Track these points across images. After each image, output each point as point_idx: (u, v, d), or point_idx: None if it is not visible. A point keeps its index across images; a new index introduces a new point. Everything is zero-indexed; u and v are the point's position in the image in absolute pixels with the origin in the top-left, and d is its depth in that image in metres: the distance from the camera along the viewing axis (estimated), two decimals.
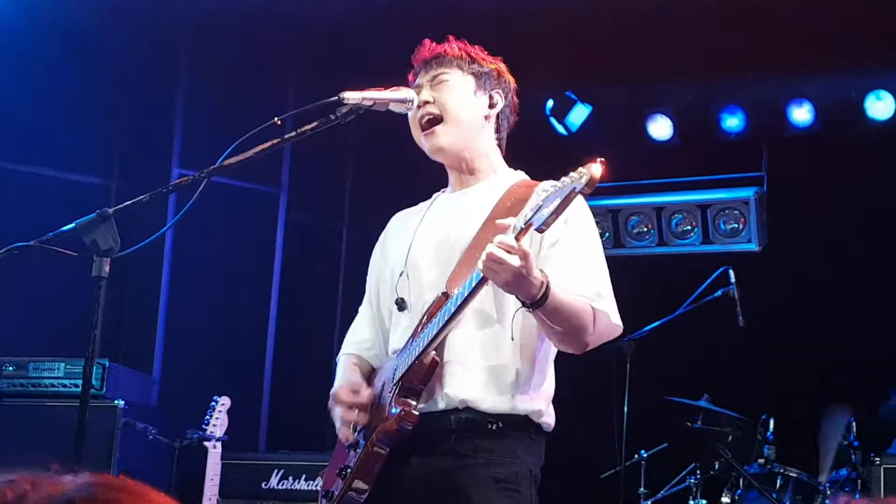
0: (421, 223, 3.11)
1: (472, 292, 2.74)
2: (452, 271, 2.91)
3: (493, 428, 2.85)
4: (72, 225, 2.64)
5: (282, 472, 5.91)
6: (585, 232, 2.96)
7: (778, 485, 5.62)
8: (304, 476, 5.87)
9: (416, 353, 2.83)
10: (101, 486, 1.16)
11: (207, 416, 5.60)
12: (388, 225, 3.30)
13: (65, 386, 5.66)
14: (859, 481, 5.38)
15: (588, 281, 2.86)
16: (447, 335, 2.85)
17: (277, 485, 5.89)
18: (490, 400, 2.86)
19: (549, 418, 2.97)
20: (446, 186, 3.21)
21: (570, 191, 2.48)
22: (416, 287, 3.00)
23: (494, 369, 2.88)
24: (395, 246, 3.15)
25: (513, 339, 2.87)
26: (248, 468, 5.94)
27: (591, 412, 5.74)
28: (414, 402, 2.85)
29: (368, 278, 3.27)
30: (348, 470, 2.94)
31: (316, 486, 5.82)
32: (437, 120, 3.03)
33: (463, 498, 2.81)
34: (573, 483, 6.41)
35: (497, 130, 3.14)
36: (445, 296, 2.86)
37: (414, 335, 2.91)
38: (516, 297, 2.74)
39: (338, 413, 2.98)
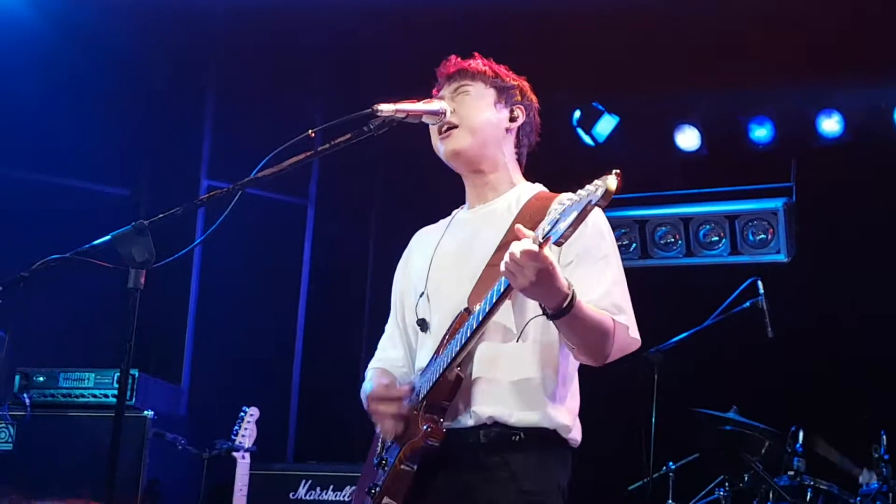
0: (440, 242, 3.12)
1: (496, 304, 2.74)
2: (473, 287, 2.91)
3: (520, 441, 2.85)
4: (107, 237, 2.65)
5: (310, 482, 5.92)
6: (604, 244, 2.95)
7: (808, 497, 5.57)
8: (331, 486, 5.88)
9: (441, 370, 2.83)
10: None
11: (236, 427, 5.63)
12: (411, 242, 3.31)
13: (94, 396, 5.70)
14: (891, 495, 5.33)
15: (608, 294, 2.86)
16: (472, 351, 2.85)
17: (305, 495, 5.90)
18: (517, 414, 2.86)
19: (576, 433, 2.96)
20: (465, 202, 3.22)
21: (587, 203, 2.47)
22: (437, 307, 3.01)
23: (520, 384, 2.87)
24: (416, 265, 3.17)
25: (548, 376, 2.87)
26: (277, 479, 5.96)
27: (618, 423, 5.72)
28: (440, 419, 2.85)
29: (393, 296, 3.28)
30: (377, 489, 2.94)
31: (345, 496, 5.83)
32: (454, 127, 3.05)
33: None
34: (601, 495, 6.38)
35: (517, 146, 3.15)
36: (468, 312, 2.86)
37: (437, 353, 2.91)
38: (540, 304, 2.73)
39: (376, 410, 2.97)
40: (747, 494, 5.72)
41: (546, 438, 2.88)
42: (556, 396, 2.91)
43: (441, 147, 3.07)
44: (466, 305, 2.89)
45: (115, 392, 5.56)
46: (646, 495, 5.66)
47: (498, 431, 2.85)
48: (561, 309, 2.67)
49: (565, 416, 2.92)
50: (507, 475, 2.83)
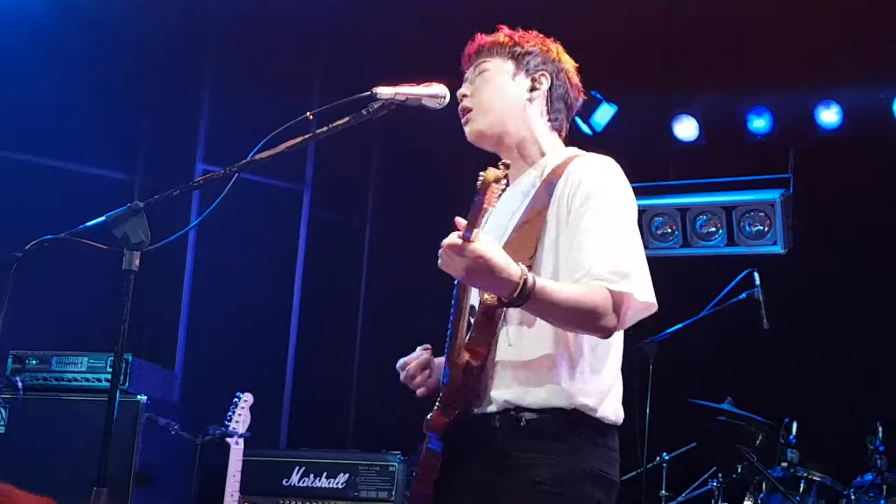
0: (486, 224, 2.94)
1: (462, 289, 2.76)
2: None
3: (535, 425, 2.73)
4: (102, 218, 2.62)
5: (303, 469, 5.91)
6: (609, 206, 2.80)
7: (801, 488, 5.58)
8: (325, 473, 5.87)
9: (446, 356, 2.82)
10: None
11: (230, 413, 5.61)
12: None
13: (87, 380, 5.68)
14: (885, 486, 5.33)
15: (604, 260, 2.70)
16: (496, 335, 2.80)
17: (299, 482, 5.89)
18: (530, 397, 2.75)
19: (607, 410, 2.80)
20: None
21: (474, 200, 2.53)
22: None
23: (537, 365, 2.76)
24: None
25: (569, 354, 2.76)
26: (270, 465, 5.95)
27: None
28: (457, 407, 2.79)
29: None
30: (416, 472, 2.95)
31: (338, 483, 5.83)
32: (470, 111, 3.01)
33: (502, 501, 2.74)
34: None
35: (549, 111, 3.05)
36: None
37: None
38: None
39: (410, 373, 2.96)
40: (741, 485, 5.73)
41: (568, 419, 2.75)
42: (576, 373, 2.76)
43: (466, 131, 3.03)
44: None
45: (108, 376, 5.53)
46: (639, 485, 5.65)
47: (514, 415, 2.75)
48: (513, 298, 2.61)
49: (589, 392, 2.77)
50: (519, 463, 2.73)
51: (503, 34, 3.06)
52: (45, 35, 6.47)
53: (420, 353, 2.99)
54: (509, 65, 3.02)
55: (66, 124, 6.66)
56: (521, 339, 2.79)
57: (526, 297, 2.61)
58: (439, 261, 2.63)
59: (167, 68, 7.03)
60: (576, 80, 3.12)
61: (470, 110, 3.01)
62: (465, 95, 3.02)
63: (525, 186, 2.96)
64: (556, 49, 3.10)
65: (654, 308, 2.78)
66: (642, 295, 2.72)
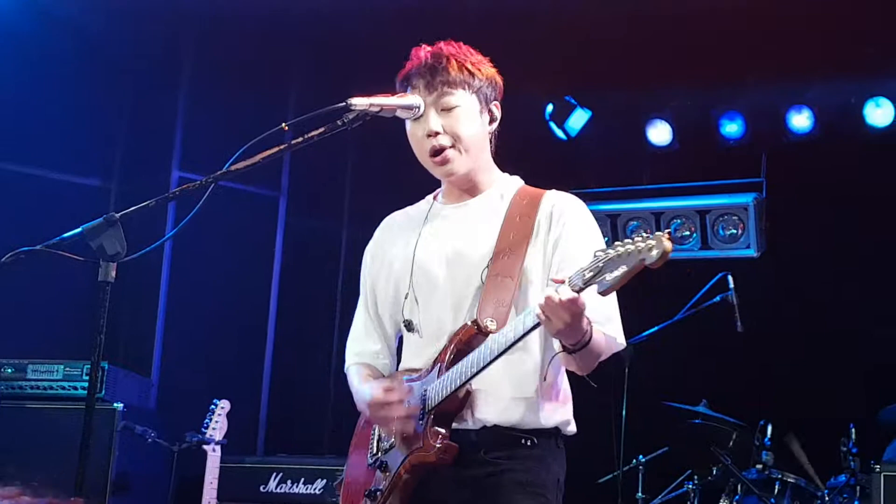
0: (420, 238, 3.05)
1: (522, 337, 2.72)
2: (481, 298, 2.88)
3: (525, 442, 2.88)
4: (79, 229, 2.62)
5: (280, 475, 5.91)
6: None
7: (776, 490, 5.62)
8: (302, 479, 5.87)
9: (453, 388, 2.80)
10: None
11: (207, 420, 5.61)
12: (381, 230, 3.23)
13: (63, 388, 5.67)
14: (858, 488, 5.38)
15: (600, 305, 2.81)
16: None
17: (276, 488, 5.89)
18: (517, 419, 2.87)
19: (573, 426, 3.01)
20: (437, 190, 3.17)
21: (639, 262, 2.45)
22: (427, 308, 2.97)
23: (521, 391, 2.88)
24: (392, 259, 3.10)
25: (545, 380, 2.89)
26: (247, 471, 5.94)
27: (589, 417, 5.71)
28: (447, 432, 2.83)
29: (363, 286, 3.21)
30: (379, 493, 2.92)
31: (315, 490, 5.82)
32: (446, 148, 2.97)
33: (490, 502, 2.83)
34: (571, 488, 6.39)
35: (493, 140, 3.10)
36: (475, 324, 2.83)
37: (440, 361, 2.87)
38: (560, 341, 2.74)
39: (380, 416, 2.92)
40: (716, 487, 5.76)
41: (547, 436, 2.92)
42: (555, 396, 2.93)
43: (437, 171, 3.01)
44: (475, 317, 2.85)
45: (84, 384, 5.53)
46: (616, 488, 5.68)
47: (500, 432, 2.86)
48: (581, 344, 2.71)
49: (564, 411, 2.96)
50: (506, 468, 2.84)
51: (454, 60, 2.99)
52: (20, 41, 6.44)
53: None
54: (474, 100, 3.00)
55: (41, 131, 6.63)
56: (502, 367, 2.83)
57: (588, 343, 2.72)
58: (536, 309, 2.61)
59: (142, 75, 7.02)
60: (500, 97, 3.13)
61: (446, 149, 2.97)
62: (437, 133, 2.96)
63: (484, 212, 3.01)
64: (491, 68, 3.08)
65: (621, 349, 2.96)
66: (621, 339, 2.93)
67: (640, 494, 5.89)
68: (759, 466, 5.66)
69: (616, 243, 2.51)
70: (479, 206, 3.04)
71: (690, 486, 5.77)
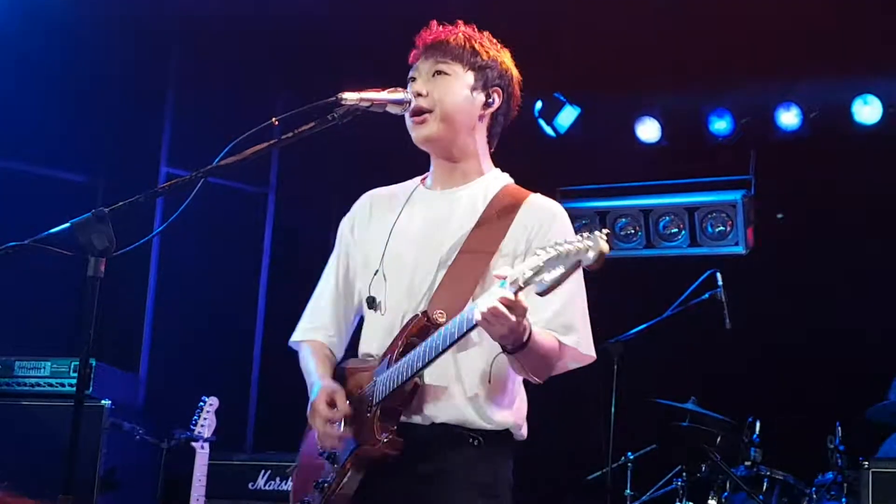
0: (399, 218, 3.05)
1: (462, 336, 2.69)
2: (436, 290, 2.88)
3: (473, 442, 2.86)
4: (67, 224, 2.60)
5: (269, 472, 5.90)
6: None
7: (764, 487, 5.63)
8: (290, 477, 5.85)
9: (399, 381, 2.79)
10: None
11: (195, 417, 5.60)
12: (361, 204, 3.22)
13: (51, 385, 5.64)
14: (845, 485, 5.39)
15: (559, 314, 2.82)
16: None
17: (265, 486, 5.88)
18: (464, 418, 2.86)
19: (524, 430, 2.98)
20: (425, 174, 3.14)
21: (575, 263, 2.41)
22: (393, 288, 2.96)
23: (471, 390, 2.86)
24: (369, 235, 3.10)
25: (490, 382, 2.85)
26: (236, 469, 5.93)
27: (577, 414, 5.74)
28: (394, 427, 2.83)
29: (335, 256, 3.20)
30: (326, 484, 2.91)
31: None
32: (427, 112, 2.97)
33: (437, 498, 2.83)
34: (559, 485, 6.42)
35: (490, 130, 3.07)
36: (425, 315, 2.83)
37: (391, 352, 2.86)
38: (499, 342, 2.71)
39: (322, 431, 2.92)
40: (704, 484, 5.77)
41: (498, 438, 2.90)
42: (506, 399, 2.91)
43: (413, 132, 3.01)
44: (425, 309, 2.85)
45: (72, 381, 5.51)
46: (604, 485, 5.68)
47: (450, 430, 2.85)
48: (519, 345, 2.68)
49: (516, 415, 2.94)
50: (459, 470, 2.84)
51: (462, 35, 3.03)
52: (6, 38, 6.42)
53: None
54: (470, 76, 3.00)
55: (29, 127, 6.60)
56: (452, 364, 2.85)
57: (526, 344, 2.68)
58: (478, 315, 2.57)
59: (131, 70, 6.99)
60: (518, 92, 3.13)
61: (426, 111, 2.98)
62: (420, 94, 2.98)
63: (465, 203, 2.99)
64: (508, 60, 3.10)
65: (591, 360, 2.92)
66: (586, 348, 2.88)
67: (628, 491, 5.89)
68: (748, 463, 5.67)
69: (556, 242, 2.47)
70: (460, 198, 3.02)
71: (679, 483, 5.77)
